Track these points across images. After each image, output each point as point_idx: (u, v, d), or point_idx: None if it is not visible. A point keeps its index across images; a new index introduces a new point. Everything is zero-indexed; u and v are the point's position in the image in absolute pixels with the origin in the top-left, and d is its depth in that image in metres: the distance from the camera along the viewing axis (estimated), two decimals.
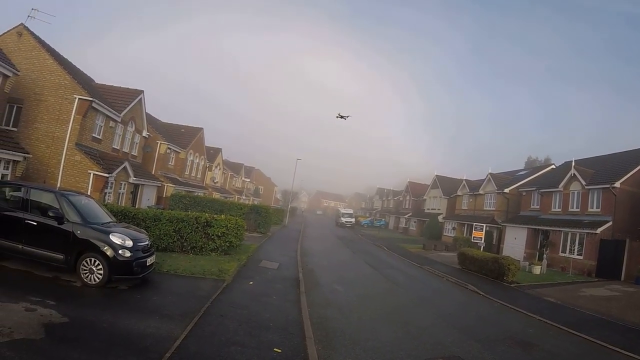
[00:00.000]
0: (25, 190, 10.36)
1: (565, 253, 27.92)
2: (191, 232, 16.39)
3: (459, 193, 50.29)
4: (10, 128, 19.39)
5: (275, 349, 7.64)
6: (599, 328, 12.64)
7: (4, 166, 15.71)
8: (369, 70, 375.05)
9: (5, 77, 15.94)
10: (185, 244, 16.32)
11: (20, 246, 9.87)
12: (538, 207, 34.13)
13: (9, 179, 15.52)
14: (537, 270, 24.49)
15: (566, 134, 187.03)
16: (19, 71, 17.11)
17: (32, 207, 10.11)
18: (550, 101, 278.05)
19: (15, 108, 19.93)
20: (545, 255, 28.00)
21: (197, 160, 41.73)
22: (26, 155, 16.65)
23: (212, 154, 49.03)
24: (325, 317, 10.75)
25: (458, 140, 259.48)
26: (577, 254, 26.90)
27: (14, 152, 15.81)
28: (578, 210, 28.91)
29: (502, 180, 42.96)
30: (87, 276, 9.73)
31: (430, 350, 9.07)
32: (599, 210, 27.18)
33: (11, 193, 10.63)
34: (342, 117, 44.53)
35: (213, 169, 49.10)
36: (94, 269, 9.74)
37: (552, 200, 32.03)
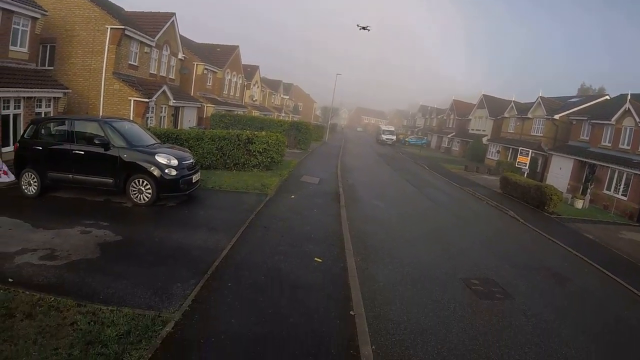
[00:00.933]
0: (69, 123, 10.74)
1: (609, 191, 26.23)
2: (233, 149, 16.78)
3: (506, 115, 47.25)
4: (47, 67, 19.66)
5: (316, 259, 8.00)
6: (634, 274, 11.93)
7: (46, 104, 16.11)
8: None
9: (34, 19, 15.92)
10: (227, 161, 16.79)
11: (70, 176, 10.45)
12: (587, 138, 31.75)
13: (51, 115, 15.98)
14: (579, 204, 23.75)
15: (625, 65, 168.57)
16: (47, 11, 16.99)
17: (77, 138, 10.54)
18: (609, 27, 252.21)
19: (48, 47, 20.14)
20: (589, 190, 26.77)
21: (235, 79, 41.55)
22: (66, 90, 16.98)
23: (250, 71, 48.51)
24: (364, 231, 11.03)
25: (509, 59, 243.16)
26: (622, 194, 25.20)
27: (53, 90, 16.12)
28: (629, 148, 26.68)
29: (552, 105, 40.00)
30: (137, 196, 10.30)
31: (466, 271, 9.16)
32: None
33: (56, 127, 11.07)
34: (363, 28, 42.33)
35: (251, 87, 48.82)
36: (143, 189, 10.27)
37: (602, 133, 29.60)
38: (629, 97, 27.64)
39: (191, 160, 11.57)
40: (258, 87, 52.26)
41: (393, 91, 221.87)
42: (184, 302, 5.67)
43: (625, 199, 24.87)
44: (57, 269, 6.44)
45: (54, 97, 16.33)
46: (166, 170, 10.34)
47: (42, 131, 10.95)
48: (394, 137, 66.68)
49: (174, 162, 10.58)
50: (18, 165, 10.81)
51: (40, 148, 10.60)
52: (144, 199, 10.28)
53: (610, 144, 28.69)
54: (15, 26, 15.00)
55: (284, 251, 8.17)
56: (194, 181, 11.32)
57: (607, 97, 38.40)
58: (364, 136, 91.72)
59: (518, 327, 6.74)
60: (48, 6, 18.07)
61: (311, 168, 21.91)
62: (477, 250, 11.27)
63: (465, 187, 25.11)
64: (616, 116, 27.87)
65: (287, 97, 75.69)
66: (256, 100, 51.11)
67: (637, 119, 25.99)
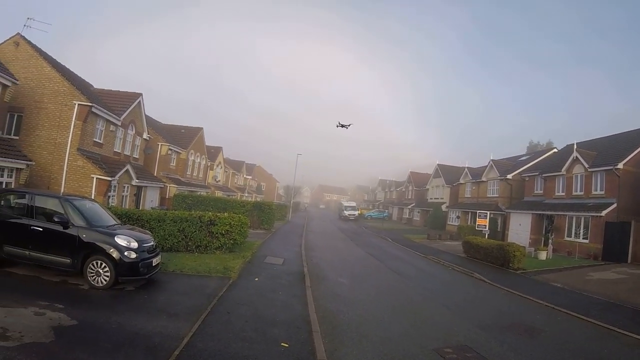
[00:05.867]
0: (29, 197, 10.47)
1: (570, 237, 27.67)
2: (195, 231, 16.49)
3: (461, 181, 49.88)
4: (12, 137, 19.47)
5: (282, 344, 7.74)
6: (607, 312, 12.58)
7: (8, 174, 15.76)
8: (370, 71, 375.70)
9: (5, 86, 15.99)
10: (189, 243, 16.43)
11: (27, 252, 10.01)
12: (541, 192, 33.84)
13: (12, 186, 15.60)
14: (543, 255, 24.41)
15: (571, 117, 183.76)
16: (17, 80, 17.16)
17: (37, 213, 10.24)
18: (557, 85, 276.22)
19: (15, 117, 20.14)
20: (550, 241, 27.91)
21: (199, 160, 41.83)
22: (29, 162, 16.73)
23: (213, 152, 49.13)
24: (331, 311, 10.83)
25: (460, 130, 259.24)
26: (583, 238, 26.67)
27: (16, 160, 15.88)
28: (582, 193, 28.63)
29: (504, 166, 42.64)
30: (94, 279, 9.86)
31: (438, 340, 9.10)
32: (602, 192, 26.91)
33: (16, 200, 10.75)
34: (342, 125, 44.98)
35: (214, 167, 49.20)
36: (101, 271, 9.87)
37: (555, 184, 31.69)
38: (575, 146, 29.99)
39: (152, 243, 11.34)
40: (221, 167, 52.67)
41: (352, 170, 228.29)
42: None
43: (587, 241, 26.27)
44: (8, 351, 5.99)
45: (17, 168, 15.99)
46: (125, 253, 10.04)
47: (2, 202, 10.63)
48: (356, 213, 67.89)
49: (134, 244, 10.32)
50: None
51: None
52: (101, 282, 9.86)
53: (564, 193, 30.59)
54: None
55: (248, 337, 7.87)
56: (154, 264, 10.98)
57: (555, 149, 41.77)
58: (326, 213, 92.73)
59: None
60: (19, 75, 18.29)
61: (275, 248, 21.71)
62: (447, 318, 11.30)
63: (429, 255, 25.52)
64: (566, 166, 30.02)
65: (250, 177, 76.43)
66: (219, 180, 51.29)
67: (586, 165, 28.11)
